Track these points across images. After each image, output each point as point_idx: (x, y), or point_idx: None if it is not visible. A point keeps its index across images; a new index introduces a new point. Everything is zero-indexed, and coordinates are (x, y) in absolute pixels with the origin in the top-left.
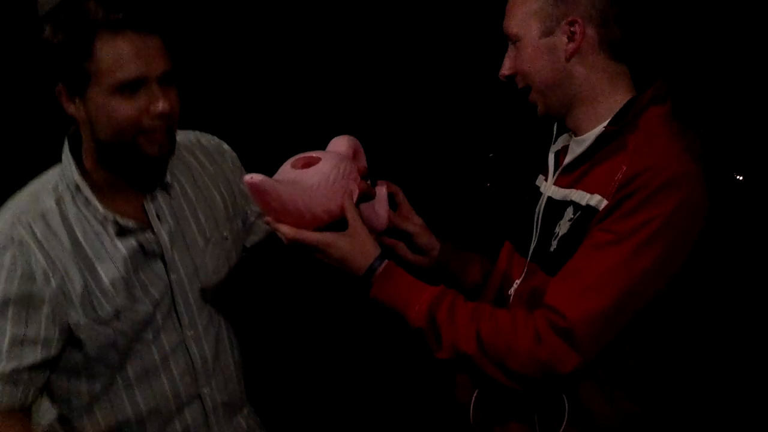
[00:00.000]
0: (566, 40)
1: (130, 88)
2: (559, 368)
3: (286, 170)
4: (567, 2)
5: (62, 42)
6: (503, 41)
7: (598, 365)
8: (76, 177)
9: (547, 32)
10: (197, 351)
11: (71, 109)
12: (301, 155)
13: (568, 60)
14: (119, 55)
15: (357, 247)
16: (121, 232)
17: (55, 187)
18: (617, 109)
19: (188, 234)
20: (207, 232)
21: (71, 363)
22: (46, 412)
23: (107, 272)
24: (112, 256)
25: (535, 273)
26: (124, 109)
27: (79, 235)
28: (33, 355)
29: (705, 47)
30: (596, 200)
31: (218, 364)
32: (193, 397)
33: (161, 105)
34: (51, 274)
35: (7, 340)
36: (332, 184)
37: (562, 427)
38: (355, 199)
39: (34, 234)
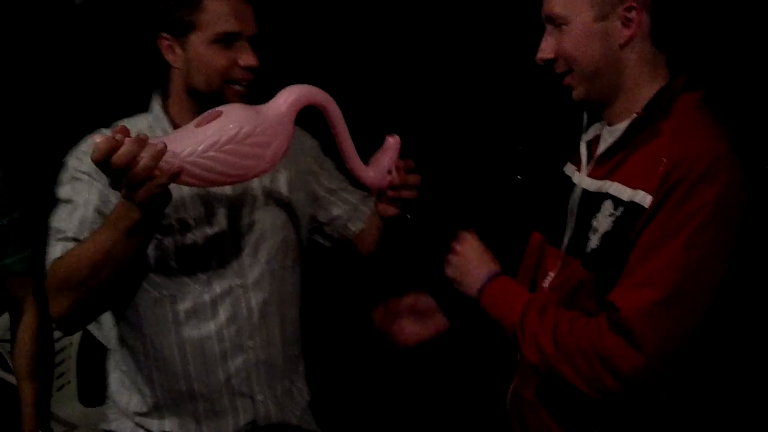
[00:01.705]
0: (620, 26)
1: (226, 40)
2: (618, 363)
3: (188, 126)
4: None
5: None
6: (530, 32)
7: None
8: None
9: (602, 16)
10: (244, 302)
11: (170, 57)
12: (213, 110)
13: (622, 47)
14: (222, 10)
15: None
16: None
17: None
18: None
19: (251, 187)
20: (269, 189)
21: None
22: (110, 330)
23: None
24: None
25: (573, 266)
26: (219, 58)
27: None
28: None
29: (742, 36)
30: (640, 196)
31: (264, 322)
32: (237, 347)
33: (250, 59)
34: None
35: (97, 199)
36: (212, 150)
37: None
38: (259, 171)
39: None
